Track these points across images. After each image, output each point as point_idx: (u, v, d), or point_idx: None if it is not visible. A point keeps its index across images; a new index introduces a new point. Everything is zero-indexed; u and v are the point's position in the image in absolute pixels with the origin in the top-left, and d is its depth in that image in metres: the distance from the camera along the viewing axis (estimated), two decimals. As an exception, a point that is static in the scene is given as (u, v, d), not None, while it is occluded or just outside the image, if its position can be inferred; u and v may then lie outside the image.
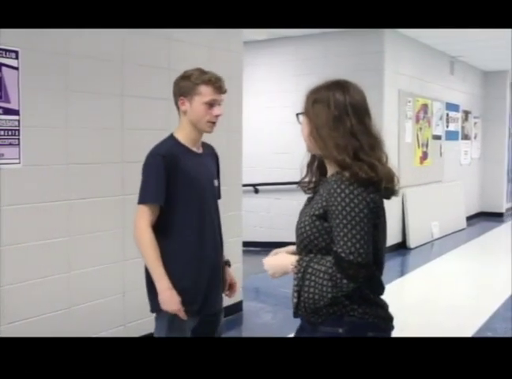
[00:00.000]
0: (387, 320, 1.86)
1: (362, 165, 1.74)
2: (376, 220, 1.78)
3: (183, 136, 2.59)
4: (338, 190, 1.73)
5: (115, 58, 3.91)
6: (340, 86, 1.83)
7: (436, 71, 9.46)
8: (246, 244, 5.45)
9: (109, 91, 3.88)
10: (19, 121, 3.36)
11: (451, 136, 10.28)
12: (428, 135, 9.19)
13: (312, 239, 1.81)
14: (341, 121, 1.78)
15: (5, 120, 3.29)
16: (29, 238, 3.45)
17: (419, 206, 8.63)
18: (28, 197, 3.44)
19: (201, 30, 4.46)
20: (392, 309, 1.87)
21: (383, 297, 1.87)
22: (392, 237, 8.08)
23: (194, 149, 2.61)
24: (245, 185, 5.96)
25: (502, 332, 4.77)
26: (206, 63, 4.71)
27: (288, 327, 3.13)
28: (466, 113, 11.06)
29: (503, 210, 11.90)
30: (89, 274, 3.75)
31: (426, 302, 5.77)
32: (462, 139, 10.91)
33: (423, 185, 8.93)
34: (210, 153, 2.76)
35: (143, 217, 2.48)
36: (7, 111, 3.30)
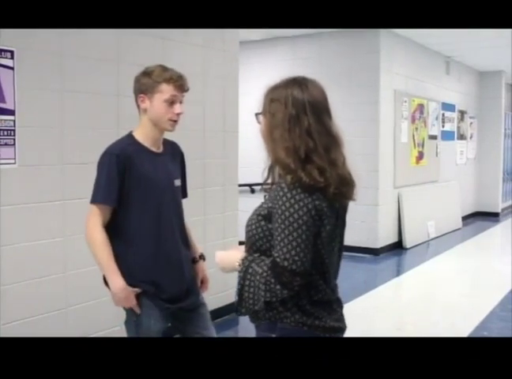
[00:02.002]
0: (328, 330, 1.76)
1: (311, 169, 1.68)
2: (320, 228, 1.71)
3: (142, 135, 2.50)
4: (281, 193, 1.68)
5: (111, 57, 3.91)
6: (298, 83, 1.77)
7: (432, 71, 9.49)
8: (242, 244, 5.42)
9: (104, 91, 3.87)
10: (14, 121, 3.35)
11: (447, 136, 10.31)
12: (424, 135, 9.21)
13: (257, 239, 1.78)
14: (298, 121, 1.72)
15: (1, 120, 3.28)
16: (25, 238, 3.44)
17: (415, 206, 8.65)
18: (24, 197, 3.43)
19: (196, 30, 4.46)
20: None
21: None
22: (388, 237, 8.09)
23: (153, 149, 2.51)
24: (241, 185, 5.96)
25: (497, 331, 4.78)
26: (202, 63, 4.74)
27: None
28: (462, 113, 11.08)
29: (499, 210, 11.94)
30: (85, 274, 3.74)
31: (422, 301, 5.78)
32: (458, 139, 10.94)
33: (419, 185, 8.95)
34: (172, 152, 2.64)
35: (93, 217, 2.41)
36: (2, 111, 3.29)
